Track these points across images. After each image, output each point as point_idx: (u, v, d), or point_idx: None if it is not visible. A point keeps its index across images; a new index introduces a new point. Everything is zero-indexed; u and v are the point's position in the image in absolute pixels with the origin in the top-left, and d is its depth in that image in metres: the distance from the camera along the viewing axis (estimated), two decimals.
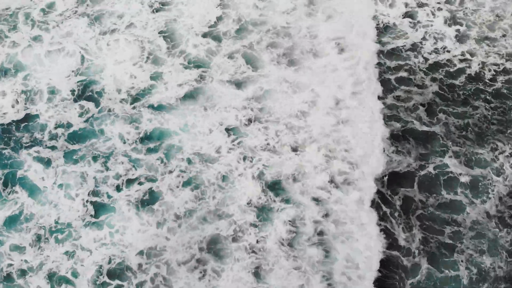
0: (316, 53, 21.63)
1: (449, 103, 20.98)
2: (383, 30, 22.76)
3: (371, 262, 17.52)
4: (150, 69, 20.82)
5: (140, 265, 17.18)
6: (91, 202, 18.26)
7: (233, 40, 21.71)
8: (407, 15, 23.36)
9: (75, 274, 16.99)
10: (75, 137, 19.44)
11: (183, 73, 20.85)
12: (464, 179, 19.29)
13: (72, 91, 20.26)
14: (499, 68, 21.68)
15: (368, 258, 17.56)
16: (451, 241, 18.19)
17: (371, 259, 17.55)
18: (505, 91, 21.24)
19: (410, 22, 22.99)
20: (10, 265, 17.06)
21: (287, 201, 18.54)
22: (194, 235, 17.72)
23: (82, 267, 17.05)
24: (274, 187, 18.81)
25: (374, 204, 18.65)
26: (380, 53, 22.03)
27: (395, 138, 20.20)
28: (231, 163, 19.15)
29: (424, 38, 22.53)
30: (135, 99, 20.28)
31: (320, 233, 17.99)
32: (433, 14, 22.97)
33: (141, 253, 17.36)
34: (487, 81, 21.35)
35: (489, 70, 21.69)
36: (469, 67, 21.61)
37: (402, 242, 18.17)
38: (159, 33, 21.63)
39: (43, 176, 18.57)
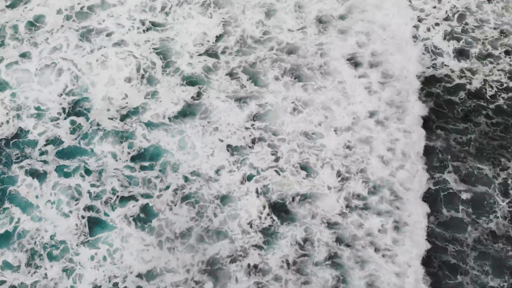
0: (326, 69, 21.54)
1: (449, 120, 20.84)
2: None
3: None
4: (144, 86, 20.78)
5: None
6: (86, 219, 18.24)
7: (234, 56, 21.65)
8: None
9: None
10: (66, 154, 19.37)
11: (179, 90, 20.82)
12: (465, 195, 19.12)
13: (63, 107, 20.21)
14: (501, 85, 21.37)
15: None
16: (454, 261, 18.04)
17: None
18: (506, 107, 21.19)
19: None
20: (3, 282, 16.97)
21: (293, 222, 18.44)
22: (194, 255, 17.70)
23: (79, 284, 16.84)
24: (280, 207, 18.83)
25: None
26: None
27: None
28: (233, 182, 19.12)
29: (423, 53, 22.20)
30: (127, 116, 20.25)
31: (333, 257, 17.88)
32: (433, 29, 22.77)
33: (139, 275, 17.34)
34: (489, 97, 21.07)
35: (491, 87, 21.34)
36: (470, 83, 21.32)
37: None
38: (153, 49, 21.57)
39: (36, 192, 18.58)
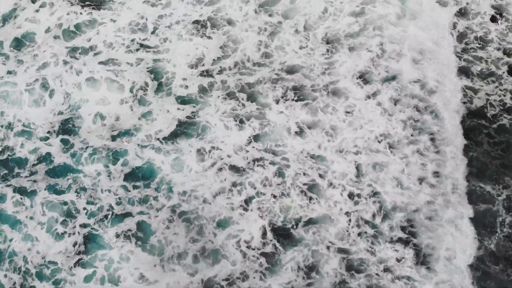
0: (334, 89, 21.29)
1: None
2: None
3: None
4: (136, 105, 20.61)
5: None
6: (81, 237, 18.16)
7: (233, 77, 21.42)
8: None
9: None
10: (57, 172, 19.28)
11: (174, 109, 20.63)
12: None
13: (52, 126, 20.08)
14: (504, 105, 21.50)
15: None
16: None
17: None
18: (509, 126, 21.22)
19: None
20: None
21: (298, 247, 18.23)
22: (190, 276, 17.57)
23: None
24: (284, 231, 18.69)
25: None
26: None
27: None
28: (233, 203, 18.97)
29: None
30: (120, 135, 20.09)
31: (341, 285, 17.80)
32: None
33: None
34: (490, 117, 21.05)
35: (493, 107, 21.45)
36: (471, 103, 21.29)
37: None
38: (147, 69, 21.33)
39: (28, 211, 18.51)
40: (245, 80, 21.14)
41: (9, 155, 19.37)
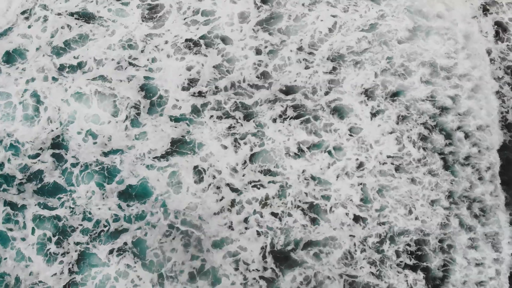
0: (337, 107, 20.57)
1: None
2: None
3: None
4: (129, 123, 20.10)
5: None
6: (76, 254, 17.89)
7: (229, 96, 20.68)
8: None
9: None
10: (48, 191, 18.90)
11: (167, 127, 20.01)
12: None
13: (43, 142, 19.56)
14: None
15: None
16: None
17: None
18: None
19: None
20: None
21: (298, 269, 17.82)
22: None
23: None
24: (284, 253, 18.25)
25: None
26: None
27: None
28: (230, 221, 18.63)
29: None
30: (112, 152, 19.62)
31: None
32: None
33: None
34: None
35: None
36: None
37: None
38: (138, 87, 20.64)
39: (19, 229, 18.19)
40: (241, 100, 20.48)
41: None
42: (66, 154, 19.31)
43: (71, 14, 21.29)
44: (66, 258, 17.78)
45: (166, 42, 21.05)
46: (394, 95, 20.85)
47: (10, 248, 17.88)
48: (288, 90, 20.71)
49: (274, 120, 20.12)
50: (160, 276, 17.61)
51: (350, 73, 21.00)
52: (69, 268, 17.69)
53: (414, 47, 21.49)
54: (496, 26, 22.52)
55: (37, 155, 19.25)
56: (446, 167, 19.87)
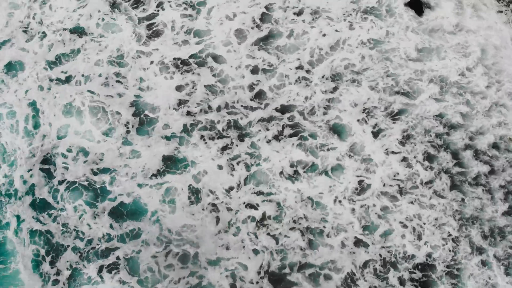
0: (336, 126, 20.00)
1: None
2: None
3: None
4: (120, 139, 19.70)
5: None
6: (69, 273, 17.76)
7: (222, 115, 20.19)
8: None
9: None
10: (39, 206, 18.67)
11: (159, 145, 19.60)
12: None
13: (32, 155, 19.24)
14: None
15: None
16: None
17: None
18: None
19: None
20: None
21: None
22: None
23: None
24: (280, 277, 17.81)
25: None
26: None
27: None
28: (228, 242, 18.29)
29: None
30: (104, 170, 19.26)
31: None
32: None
33: None
34: None
35: None
36: None
37: None
38: (129, 104, 20.25)
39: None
40: (235, 119, 20.01)
41: None
42: (55, 170, 19.07)
43: (65, 29, 21.28)
44: (60, 278, 17.64)
45: (158, 61, 20.71)
46: (399, 113, 20.25)
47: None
48: (285, 109, 20.27)
49: (269, 141, 19.63)
50: None
51: (351, 91, 20.45)
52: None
53: (422, 64, 20.99)
54: None
55: (29, 170, 19.01)
56: (455, 187, 19.15)
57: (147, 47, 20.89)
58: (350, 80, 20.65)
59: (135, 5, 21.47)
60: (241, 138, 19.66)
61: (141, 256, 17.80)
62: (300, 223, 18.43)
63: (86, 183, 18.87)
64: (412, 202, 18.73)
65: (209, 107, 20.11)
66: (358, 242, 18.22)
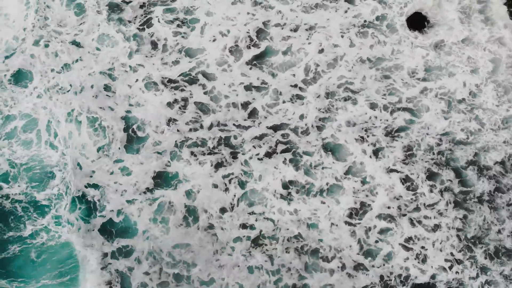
0: (332, 145, 19.66)
1: None
2: None
3: None
4: (111, 155, 19.43)
5: None
6: None
7: (213, 134, 19.88)
8: None
9: None
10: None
11: (150, 161, 19.29)
12: None
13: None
14: None
15: None
16: None
17: None
18: None
19: None
20: None
21: None
22: None
23: None
24: None
25: None
26: None
27: None
28: (224, 264, 18.08)
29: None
30: (95, 186, 18.97)
31: None
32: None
33: None
34: None
35: None
36: None
37: None
38: (121, 118, 19.92)
39: None
40: (228, 136, 19.71)
41: None
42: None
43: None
44: None
45: (148, 77, 20.31)
46: (400, 130, 19.93)
47: None
48: (279, 128, 19.95)
49: (263, 159, 19.32)
50: None
51: (349, 109, 20.12)
52: None
53: (427, 80, 20.70)
54: None
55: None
56: (459, 205, 18.83)
57: (138, 62, 20.65)
58: (347, 97, 20.31)
59: (129, 20, 21.29)
60: (234, 156, 19.37)
61: (133, 273, 17.73)
62: (296, 244, 18.20)
63: (78, 200, 18.65)
64: (414, 223, 18.46)
65: (201, 126, 19.79)
66: (357, 266, 17.95)
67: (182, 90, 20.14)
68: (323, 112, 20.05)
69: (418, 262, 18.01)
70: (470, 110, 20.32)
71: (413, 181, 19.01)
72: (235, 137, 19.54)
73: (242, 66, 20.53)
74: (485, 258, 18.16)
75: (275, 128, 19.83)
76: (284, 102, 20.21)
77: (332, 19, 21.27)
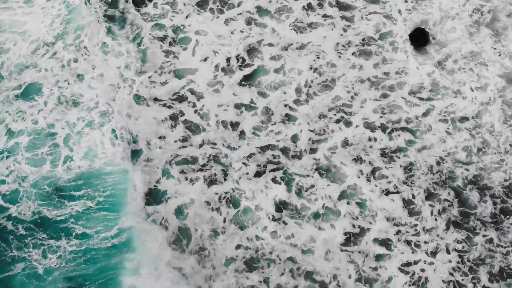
0: (325, 166, 19.32)
1: None
2: None
3: None
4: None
5: None
6: None
7: (201, 151, 19.72)
8: None
9: None
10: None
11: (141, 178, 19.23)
12: None
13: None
14: None
15: None
16: None
17: None
18: None
19: None
20: None
21: None
22: None
23: None
24: None
25: None
26: None
27: None
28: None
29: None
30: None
31: None
32: None
33: None
34: None
35: None
36: None
37: None
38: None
39: None
40: (217, 155, 19.56)
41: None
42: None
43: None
44: None
45: (137, 95, 20.29)
46: (400, 150, 19.47)
47: None
48: (269, 148, 19.63)
49: (253, 180, 19.04)
50: None
51: (343, 130, 19.77)
52: None
53: (430, 98, 20.22)
54: None
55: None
56: (461, 227, 18.36)
57: (138, 77, 20.69)
58: (341, 118, 20.00)
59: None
60: (224, 175, 19.21)
61: None
62: (291, 266, 17.99)
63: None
64: (413, 247, 18.05)
65: (191, 144, 19.69)
66: None
67: (172, 108, 20.04)
68: (317, 133, 19.79)
69: (418, 287, 17.69)
70: (475, 129, 19.78)
71: (413, 203, 18.57)
72: (226, 156, 19.41)
73: (234, 86, 20.38)
74: (490, 280, 17.72)
75: (265, 148, 19.61)
76: (275, 123, 19.97)
77: (329, 37, 20.97)
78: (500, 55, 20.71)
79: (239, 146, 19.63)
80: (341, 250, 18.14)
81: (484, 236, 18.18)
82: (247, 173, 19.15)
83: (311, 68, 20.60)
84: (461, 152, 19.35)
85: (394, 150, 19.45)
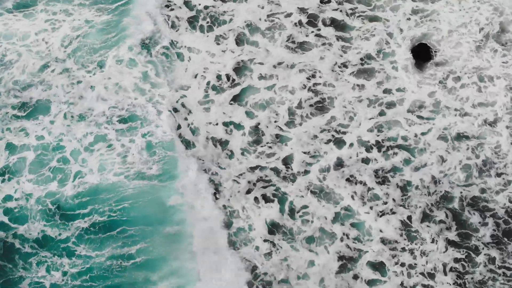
0: (318, 188, 18.90)
1: None
2: None
3: None
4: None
5: None
6: None
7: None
8: None
9: None
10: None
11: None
12: None
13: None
14: None
15: None
16: None
17: None
18: None
19: None
20: None
21: None
22: None
23: None
24: None
25: None
26: None
27: None
28: None
29: None
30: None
31: None
32: None
33: None
34: None
35: None
36: None
37: None
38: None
39: None
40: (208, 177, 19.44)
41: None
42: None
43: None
44: None
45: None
46: (395, 170, 18.94)
47: None
48: (260, 169, 19.23)
49: (244, 200, 18.71)
50: None
51: (335, 151, 19.32)
52: None
53: (431, 117, 19.71)
54: None
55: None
56: (460, 247, 17.85)
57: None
58: (333, 138, 19.59)
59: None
60: (215, 195, 18.85)
61: None
62: None
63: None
64: (409, 270, 17.58)
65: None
66: None
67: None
68: (308, 155, 19.38)
69: None
70: (477, 148, 19.16)
71: (409, 225, 18.10)
72: (215, 174, 19.15)
73: (222, 105, 20.11)
74: None
75: (257, 170, 19.24)
76: (266, 144, 19.59)
77: (326, 58, 20.66)
78: (507, 68, 20.13)
79: (228, 167, 19.31)
80: (335, 276, 17.66)
81: (485, 255, 17.68)
82: (238, 191, 18.80)
83: (305, 88, 20.26)
84: (460, 172, 18.78)
85: (390, 170, 18.96)
